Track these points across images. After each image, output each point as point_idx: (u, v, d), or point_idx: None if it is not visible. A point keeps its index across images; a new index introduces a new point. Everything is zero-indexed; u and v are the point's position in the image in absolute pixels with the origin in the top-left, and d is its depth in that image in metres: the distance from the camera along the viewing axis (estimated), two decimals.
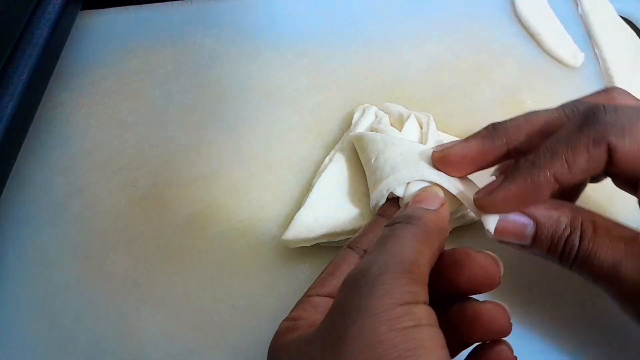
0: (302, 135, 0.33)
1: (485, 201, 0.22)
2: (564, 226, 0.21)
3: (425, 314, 0.17)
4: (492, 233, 0.22)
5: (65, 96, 0.34)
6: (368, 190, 0.28)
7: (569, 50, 0.38)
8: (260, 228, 0.29)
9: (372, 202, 0.26)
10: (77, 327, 0.27)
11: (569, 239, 0.21)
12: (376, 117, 0.31)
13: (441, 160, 0.24)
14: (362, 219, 0.27)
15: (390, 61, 0.37)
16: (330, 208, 0.28)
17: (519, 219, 0.21)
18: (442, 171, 0.24)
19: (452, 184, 0.24)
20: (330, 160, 0.30)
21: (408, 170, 0.25)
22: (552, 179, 0.20)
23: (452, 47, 0.38)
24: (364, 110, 0.32)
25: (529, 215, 0.21)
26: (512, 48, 0.38)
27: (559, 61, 0.38)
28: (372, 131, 0.29)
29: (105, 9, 0.39)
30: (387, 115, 0.30)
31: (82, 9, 0.38)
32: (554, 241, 0.21)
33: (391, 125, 0.30)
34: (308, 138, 0.33)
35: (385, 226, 0.21)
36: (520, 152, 0.23)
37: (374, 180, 0.26)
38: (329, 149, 0.32)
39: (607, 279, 0.20)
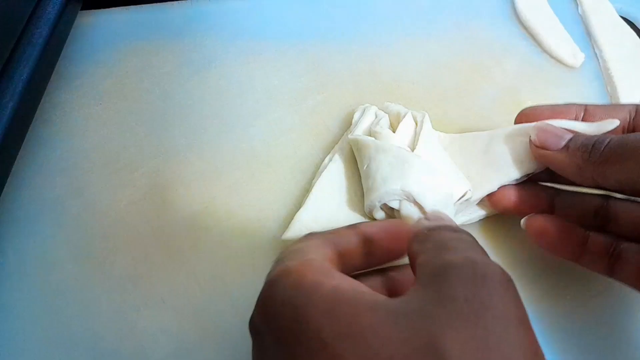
0: (302, 135, 0.33)
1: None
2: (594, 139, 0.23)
3: None
4: (535, 133, 0.25)
5: (65, 96, 0.34)
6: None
7: (569, 50, 0.38)
8: (260, 228, 0.29)
9: (366, 209, 0.27)
10: (77, 327, 0.27)
11: (599, 140, 0.22)
12: (376, 116, 0.31)
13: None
14: (362, 219, 0.27)
15: (390, 61, 0.37)
16: (330, 208, 0.28)
17: (558, 125, 0.24)
18: None
19: (433, 200, 0.25)
20: (330, 160, 0.30)
21: (397, 184, 0.25)
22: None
23: (452, 47, 0.38)
24: (364, 110, 0.32)
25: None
26: (512, 48, 0.38)
27: (559, 61, 0.38)
28: (370, 132, 0.29)
29: (105, 9, 0.39)
30: (386, 115, 0.30)
31: (82, 9, 0.38)
32: (586, 143, 0.23)
33: (391, 124, 0.30)
34: (308, 138, 0.33)
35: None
36: None
37: (367, 187, 0.26)
38: (329, 149, 0.32)
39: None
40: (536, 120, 0.26)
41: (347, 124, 0.33)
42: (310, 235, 0.21)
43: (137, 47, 0.37)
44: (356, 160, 0.29)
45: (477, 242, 0.19)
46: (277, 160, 0.32)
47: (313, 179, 0.30)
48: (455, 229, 0.20)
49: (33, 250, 0.29)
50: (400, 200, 0.25)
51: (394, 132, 0.28)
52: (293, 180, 0.31)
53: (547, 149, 0.24)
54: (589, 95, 0.36)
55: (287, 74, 0.36)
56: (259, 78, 0.36)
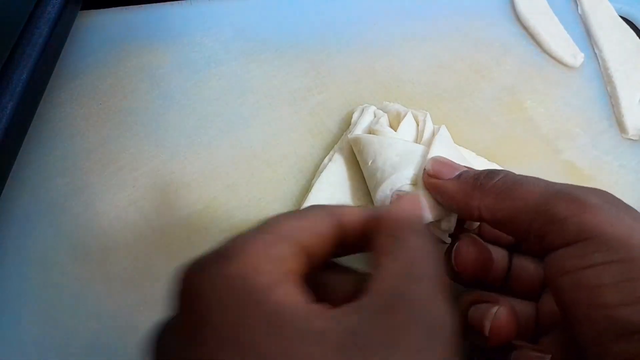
0: (302, 135, 0.33)
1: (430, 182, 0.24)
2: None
3: None
4: (430, 164, 0.24)
5: (64, 96, 0.34)
6: (367, 189, 0.28)
7: (569, 50, 0.38)
8: None
9: (377, 203, 0.26)
10: (77, 327, 0.27)
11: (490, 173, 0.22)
12: (375, 116, 0.31)
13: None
14: None
15: (390, 61, 0.37)
16: None
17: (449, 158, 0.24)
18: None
19: None
20: (330, 160, 0.30)
21: (408, 169, 0.25)
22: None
23: (451, 47, 0.38)
24: (363, 110, 0.32)
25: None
26: (512, 48, 0.38)
27: (559, 61, 0.38)
28: (370, 131, 0.29)
29: (105, 9, 0.38)
30: (385, 115, 0.30)
31: (81, 9, 0.38)
32: (477, 175, 0.22)
33: (390, 124, 0.30)
34: (308, 138, 0.33)
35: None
36: None
37: (374, 182, 0.26)
38: (328, 149, 0.32)
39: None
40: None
41: (347, 124, 0.33)
42: (280, 218, 0.18)
43: (137, 47, 0.37)
44: (356, 160, 0.29)
45: (440, 259, 0.18)
46: (277, 160, 0.32)
47: (313, 178, 0.30)
48: (424, 236, 0.18)
49: (33, 250, 0.29)
50: (411, 184, 0.25)
51: (394, 131, 0.28)
52: (293, 180, 0.31)
53: (439, 179, 0.23)
54: (589, 94, 0.36)
55: (287, 74, 0.36)
56: (259, 78, 0.36)
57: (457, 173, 0.23)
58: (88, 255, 0.29)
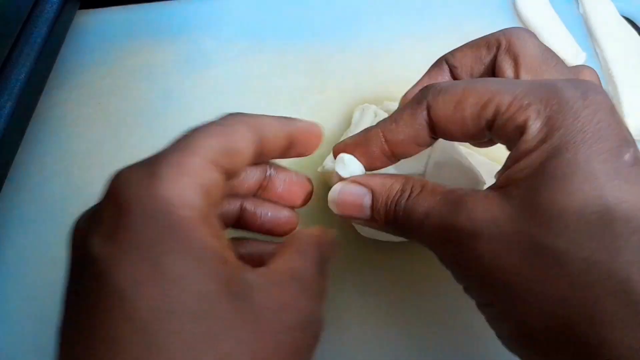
0: None
1: (336, 146, 0.24)
2: (395, 190, 0.21)
3: None
4: (335, 208, 0.22)
5: (63, 96, 0.34)
6: None
7: (571, 50, 0.38)
8: None
9: None
10: None
11: (399, 200, 0.21)
12: (375, 116, 0.31)
13: (403, 101, 0.25)
14: None
15: (390, 61, 0.37)
16: None
17: (356, 189, 0.22)
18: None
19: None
20: (330, 160, 0.30)
21: (411, 170, 0.25)
22: (380, 132, 0.22)
23: (452, 46, 0.38)
24: (363, 110, 0.32)
25: (365, 185, 0.22)
26: None
27: None
28: None
29: (103, 8, 0.38)
30: (386, 115, 0.30)
31: (80, 8, 0.37)
32: (387, 208, 0.21)
33: None
34: None
35: None
36: (474, 73, 0.24)
37: None
38: (328, 149, 0.32)
39: (419, 231, 0.20)
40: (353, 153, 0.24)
41: (347, 124, 0.33)
42: (202, 134, 0.19)
43: (136, 47, 0.37)
44: None
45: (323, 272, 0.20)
46: (277, 160, 0.32)
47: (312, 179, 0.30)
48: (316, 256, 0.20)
49: (33, 250, 0.29)
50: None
51: None
52: None
53: (357, 219, 0.22)
54: None
55: (287, 74, 0.36)
56: (259, 78, 0.36)
57: (368, 211, 0.22)
58: None
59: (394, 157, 0.22)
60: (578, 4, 0.41)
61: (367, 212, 0.22)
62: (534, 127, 0.18)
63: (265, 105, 0.34)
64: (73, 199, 0.31)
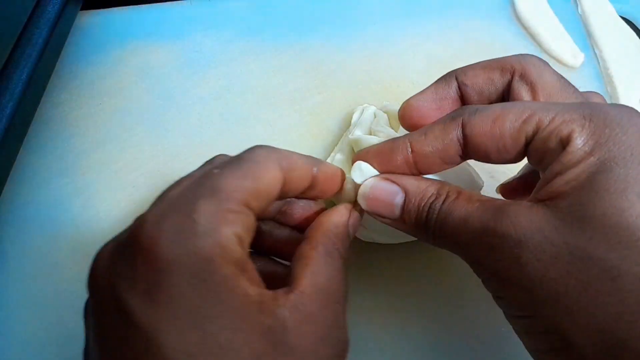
0: (302, 135, 0.33)
1: (357, 154, 0.24)
2: (430, 194, 0.21)
3: None
4: (365, 203, 0.22)
5: (64, 96, 0.34)
6: None
7: (569, 50, 0.38)
8: None
9: None
10: (77, 327, 0.27)
11: (433, 204, 0.21)
12: (375, 117, 0.31)
13: (403, 116, 0.24)
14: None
15: (390, 61, 0.37)
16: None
17: (388, 187, 0.22)
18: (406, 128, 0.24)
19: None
20: (331, 160, 0.30)
21: None
22: (408, 142, 0.21)
23: (452, 47, 0.38)
24: (363, 110, 0.32)
25: (399, 184, 0.22)
26: (512, 48, 0.38)
27: (559, 61, 0.38)
28: (370, 132, 0.29)
29: (105, 9, 0.38)
30: (385, 116, 0.30)
31: (81, 9, 0.37)
32: (419, 210, 0.21)
33: (390, 125, 0.30)
34: (308, 138, 0.33)
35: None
36: (483, 94, 0.23)
37: None
38: (328, 149, 0.32)
39: (456, 235, 0.20)
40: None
41: (347, 124, 0.33)
42: (229, 174, 0.18)
43: (137, 47, 0.37)
44: None
45: (344, 291, 0.20)
46: None
47: None
48: (337, 257, 0.20)
49: (33, 250, 0.29)
50: None
51: (395, 132, 0.28)
52: None
53: (384, 218, 0.22)
54: None
55: (287, 74, 0.36)
56: (259, 78, 0.36)
57: (398, 210, 0.21)
58: (88, 255, 0.29)
59: (417, 170, 0.22)
60: (577, 4, 0.41)
61: (397, 211, 0.21)
62: (580, 139, 0.18)
63: (266, 105, 0.35)
64: (73, 199, 0.31)
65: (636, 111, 0.19)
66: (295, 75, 0.36)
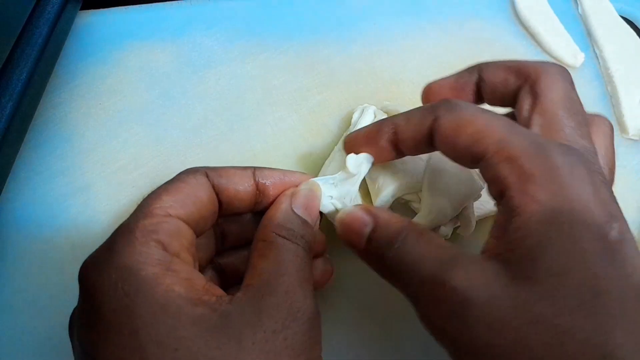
0: (302, 135, 0.33)
1: (345, 138, 0.25)
2: (395, 228, 0.21)
3: None
4: (339, 228, 0.22)
5: (64, 96, 0.34)
6: (368, 190, 0.28)
7: (569, 50, 0.38)
8: None
9: (377, 204, 0.26)
10: None
11: (395, 238, 0.20)
12: (375, 116, 0.31)
13: (423, 98, 0.26)
14: None
15: (390, 61, 0.37)
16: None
17: (362, 216, 0.22)
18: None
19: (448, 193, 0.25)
20: (331, 160, 0.30)
21: (411, 178, 0.25)
22: (391, 125, 0.23)
23: (451, 46, 0.38)
24: (363, 110, 0.32)
25: (372, 215, 0.22)
26: (512, 48, 0.38)
27: (559, 61, 0.38)
28: None
29: (105, 9, 0.38)
30: (386, 115, 0.30)
31: (81, 9, 0.37)
32: (381, 242, 0.21)
33: None
34: (308, 138, 0.33)
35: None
36: (496, 93, 0.24)
37: (377, 185, 0.26)
38: (329, 149, 0.32)
39: (409, 276, 0.19)
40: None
41: (347, 124, 0.33)
42: (155, 196, 0.20)
43: (137, 47, 0.37)
44: None
45: (307, 263, 0.21)
46: (277, 160, 0.32)
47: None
48: (298, 238, 0.21)
49: (33, 250, 0.29)
50: (415, 192, 0.25)
51: None
52: None
53: (353, 247, 0.22)
54: (589, 95, 0.36)
55: (287, 74, 0.36)
56: (259, 78, 0.36)
57: (364, 240, 0.21)
58: (88, 255, 0.29)
59: (399, 150, 0.23)
60: (577, 4, 0.41)
61: (364, 242, 0.21)
62: (519, 193, 0.17)
63: (266, 105, 0.35)
64: (73, 199, 0.31)
65: (586, 158, 0.19)
66: (295, 75, 0.36)
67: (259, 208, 0.23)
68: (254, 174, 0.23)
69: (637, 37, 0.39)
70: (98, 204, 0.31)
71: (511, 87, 0.23)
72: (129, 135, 0.33)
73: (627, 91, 0.36)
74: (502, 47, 0.38)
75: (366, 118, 0.31)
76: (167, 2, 0.39)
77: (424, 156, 0.26)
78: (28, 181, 0.31)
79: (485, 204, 0.29)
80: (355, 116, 0.32)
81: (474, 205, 0.28)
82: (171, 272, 0.18)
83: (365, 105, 0.32)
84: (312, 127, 0.34)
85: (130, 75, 0.36)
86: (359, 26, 0.38)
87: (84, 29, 0.37)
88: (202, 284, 0.18)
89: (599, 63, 0.38)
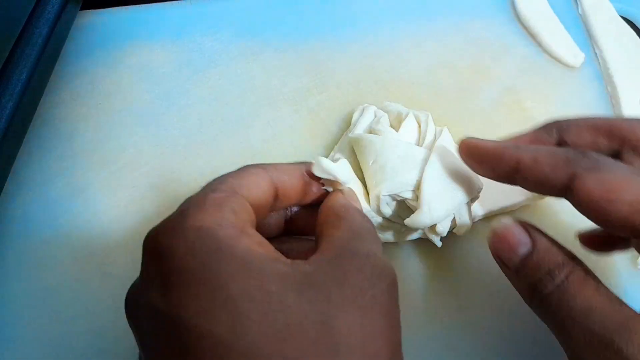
0: (302, 135, 0.33)
1: (462, 142, 0.24)
2: (557, 261, 0.19)
3: None
4: (491, 239, 0.21)
5: (64, 96, 0.34)
6: (367, 189, 0.28)
7: (569, 50, 0.38)
8: None
9: (373, 202, 0.26)
10: (77, 327, 0.27)
11: (554, 271, 0.19)
12: (375, 116, 0.31)
13: (494, 154, 0.23)
14: None
15: (390, 61, 0.37)
16: None
17: (520, 234, 0.21)
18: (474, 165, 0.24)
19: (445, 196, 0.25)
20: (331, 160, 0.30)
21: (410, 174, 0.25)
22: (515, 158, 0.21)
23: (451, 46, 0.38)
24: (363, 110, 0.32)
25: (531, 236, 0.20)
26: (512, 48, 0.38)
27: (559, 61, 0.38)
28: (370, 131, 0.29)
29: (105, 9, 0.38)
30: (386, 115, 0.30)
31: (81, 9, 0.37)
32: (538, 270, 0.20)
33: (390, 124, 0.30)
34: (308, 138, 0.33)
35: None
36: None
37: (375, 181, 0.26)
38: (329, 149, 0.32)
39: (568, 320, 0.18)
40: (477, 156, 0.23)
41: (347, 124, 0.33)
42: (224, 178, 0.21)
43: (137, 47, 0.37)
44: (357, 160, 0.29)
45: (377, 234, 0.21)
46: (277, 160, 0.32)
47: None
48: (363, 215, 0.22)
49: (33, 250, 0.29)
50: (412, 190, 0.25)
51: (395, 131, 0.28)
52: None
53: (501, 260, 0.21)
54: (590, 95, 0.36)
55: (287, 74, 0.36)
56: (259, 78, 0.36)
57: (517, 259, 0.20)
58: (88, 255, 0.29)
59: (502, 178, 0.22)
60: (577, 4, 0.41)
61: (517, 260, 0.20)
62: None
63: (265, 105, 0.35)
64: (73, 199, 0.31)
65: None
66: (295, 75, 0.36)
67: (306, 201, 0.23)
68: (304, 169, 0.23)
69: (637, 37, 0.39)
70: (98, 204, 0.31)
71: (603, 150, 0.21)
72: (129, 135, 0.33)
73: (627, 91, 0.36)
74: (502, 47, 0.38)
75: (366, 118, 0.31)
76: (167, 2, 0.39)
77: (422, 154, 0.26)
78: (27, 181, 0.31)
79: (484, 204, 0.29)
80: (355, 116, 0.32)
81: (473, 206, 0.28)
82: (246, 235, 0.18)
83: (366, 105, 0.32)
84: (312, 127, 0.34)
85: (130, 76, 0.36)
86: (359, 26, 0.38)
87: (84, 29, 0.37)
88: (274, 249, 0.19)
89: (599, 63, 0.38)
